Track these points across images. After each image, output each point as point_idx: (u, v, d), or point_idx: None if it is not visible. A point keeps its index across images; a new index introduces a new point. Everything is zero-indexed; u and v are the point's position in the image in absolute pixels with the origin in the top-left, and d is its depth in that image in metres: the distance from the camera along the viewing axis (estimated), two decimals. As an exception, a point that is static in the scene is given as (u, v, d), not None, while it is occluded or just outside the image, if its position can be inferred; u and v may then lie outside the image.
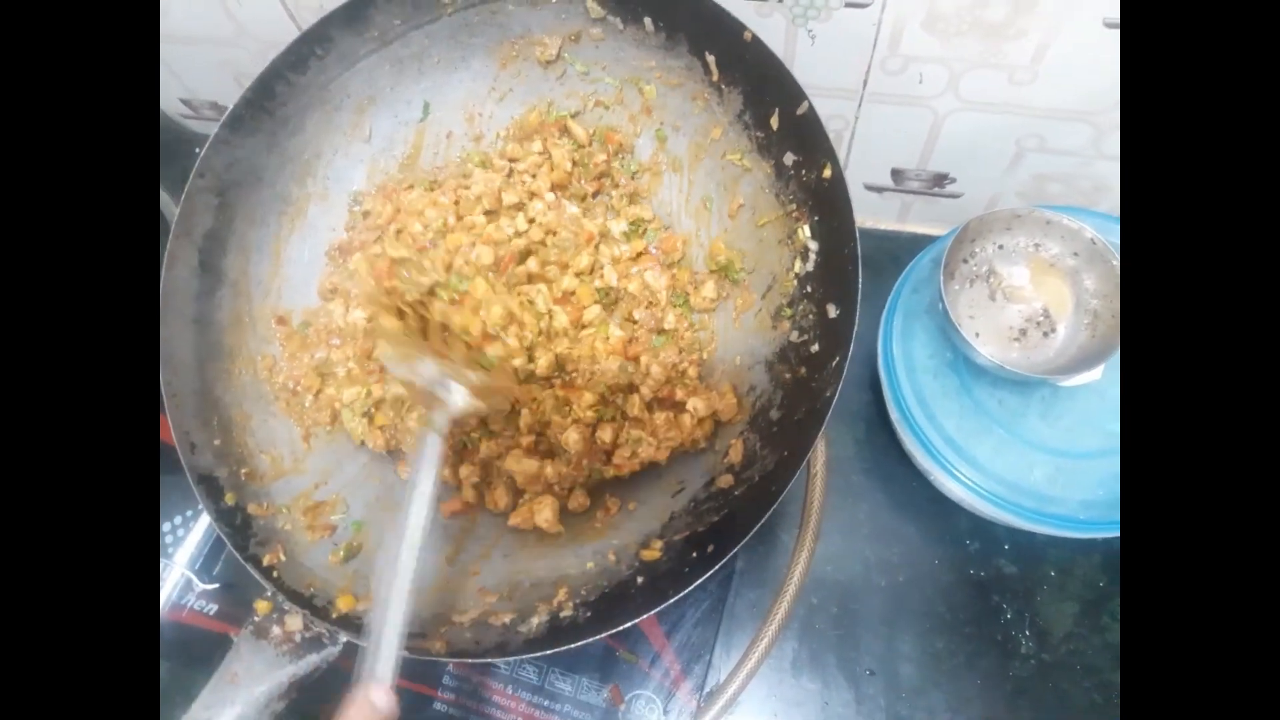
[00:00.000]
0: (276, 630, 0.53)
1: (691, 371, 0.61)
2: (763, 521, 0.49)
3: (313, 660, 0.52)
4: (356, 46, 0.63)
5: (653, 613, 0.49)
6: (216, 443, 0.59)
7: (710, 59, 0.59)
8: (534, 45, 0.65)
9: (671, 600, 0.49)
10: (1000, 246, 0.61)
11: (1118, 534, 0.56)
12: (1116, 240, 0.58)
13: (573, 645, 0.49)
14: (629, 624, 0.49)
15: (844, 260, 0.53)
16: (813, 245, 0.56)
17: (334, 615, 0.54)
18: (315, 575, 0.56)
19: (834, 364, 0.52)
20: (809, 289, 0.57)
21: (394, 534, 0.47)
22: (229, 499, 0.57)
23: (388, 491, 0.63)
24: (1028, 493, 0.56)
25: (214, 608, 0.67)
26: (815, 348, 0.55)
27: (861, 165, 0.73)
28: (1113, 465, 0.56)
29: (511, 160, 0.68)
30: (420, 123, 0.69)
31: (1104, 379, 0.57)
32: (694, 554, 0.53)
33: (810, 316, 0.56)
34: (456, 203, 0.66)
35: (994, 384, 0.59)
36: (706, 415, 0.59)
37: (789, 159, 0.57)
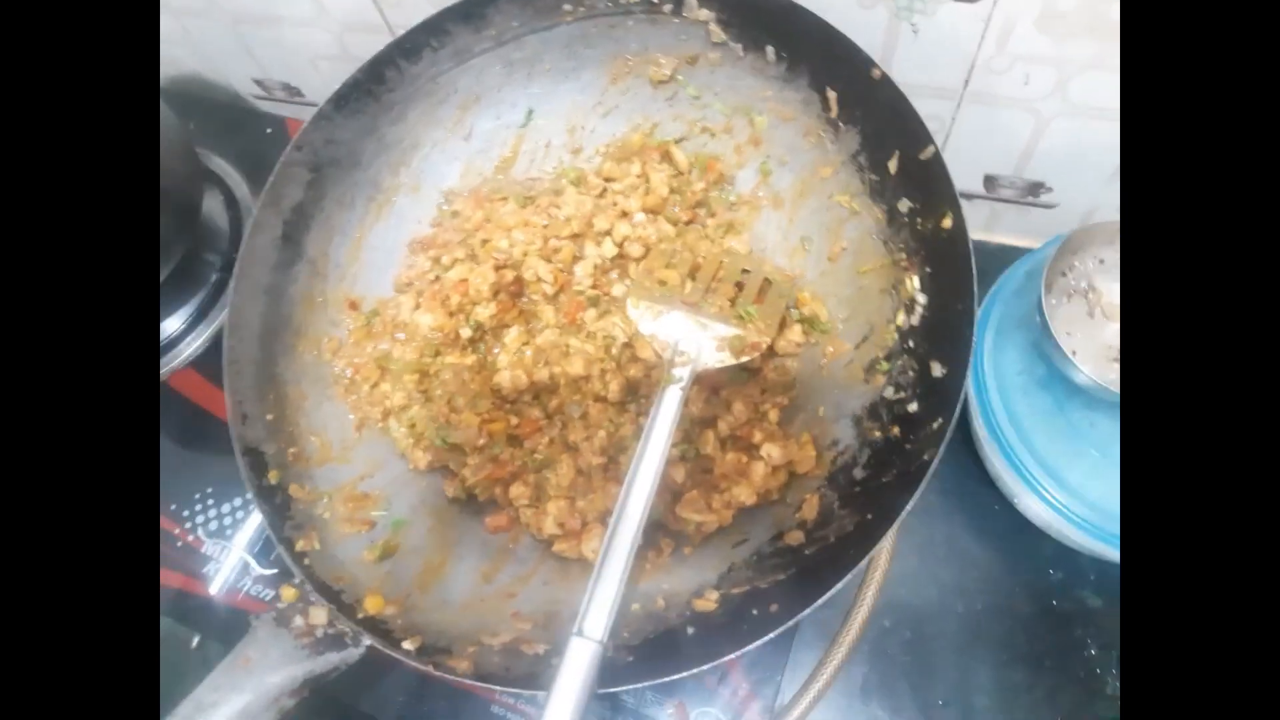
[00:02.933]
0: (299, 621, 0.49)
1: (773, 415, 0.57)
2: (835, 590, 0.44)
3: (331, 659, 0.48)
4: (471, 43, 0.63)
5: (700, 670, 0.45)
6: (269, 417, 0.57)
7: (832, 95, 0.57)
8: (649, 64, 0.64)
9: (725, 659, 0.45)
10: (1101, 261, 0.56)
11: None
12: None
13: (608, 690, 0.45)
14: (674, 677, 0.45)
15: (957, 318, 0.49)
16: (921, 298, 0.53)
17: (360, 615, 0.50)
18: (347, 570, 0.53)
19: (935, 426, 0.47)
20: (911, 344, 0.53)
21: (623, 485, 0.48)
22: (273, 476, 0.54)
23: (434, 497, 0.60)
24: (1119, 521, 0.52)
25: (270, 593, 0.65)
26: (913, 407, 0.51)
27: (953, 170, 0.70)
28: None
29: (607, 180, 0.66)
30: (521, 128, 0.67)
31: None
32: (754, 611, 0.48)
33: (910, 373, 0.52)
34: (546, 225, 0.64)
35: (1089, 405, 0.55)
36: (781, 464, 0.55)
37: (904, 205, 0.54)
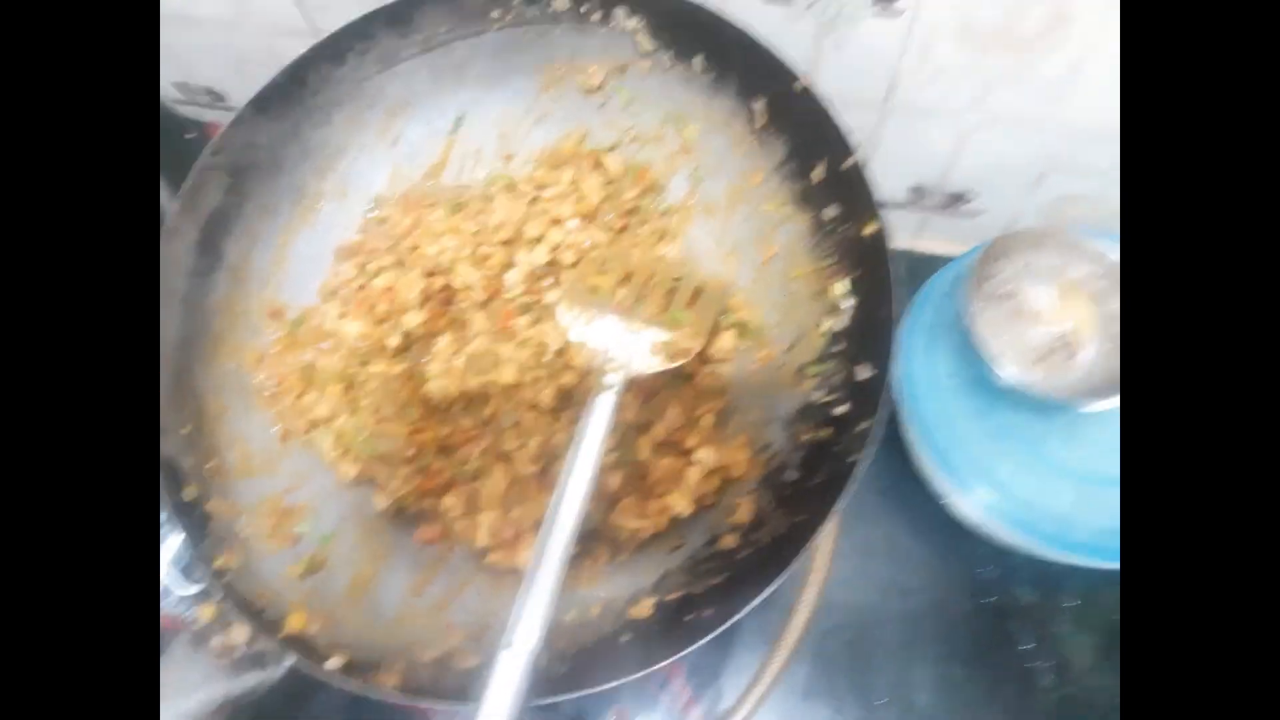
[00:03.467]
0: (217, 640, 0.47)
1: (707, 420, 0.58)
2: (769, 592, 0.45)
3: (251, 680, 0.46)
4: (398, 48, 0.62)
5: (636, 677, 0.45)
6: (185, 430, 0.54)
7: (758, 106, 0.58)
8: (579, 72, 0.64)
9: (659, 666, 0.45)
10: (1025, 266, 0.59)
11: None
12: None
13: (541, 701, 0.44)
14: (610, 685, 0.45)
15: (881, 321, 0.50)
16: (847, 303, 0.54)
17: (283, 633, 0.48)
18: (269, 587, 0.51)
19: (861, 428, 0.48)
20: (839, 347, 0.54)
21: (554, 494, 0.47)
22: (189, 492, 0.52)
23: (362, 510, 0.58)
24: (1049, 517, 0.54)
25: (194, 613, 0.61)
26: (842, 409, 0.52)
27: (879, 179, 0.72)
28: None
29: (539, 187, 0.65)
30: (451, 134, 0.67)
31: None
32: (688, 616, 0.48)
33: (838, 377, 0.53)
34: (476, 231, 0.63)
35: (1015, 406, 0.57)
36: (716, 468, 0.55)
37: (829, 213, 0.55)
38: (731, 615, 0.45)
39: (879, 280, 0.51)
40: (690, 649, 0.44)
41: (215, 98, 0.88)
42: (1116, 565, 0.54)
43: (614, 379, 0.52)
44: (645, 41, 0.60)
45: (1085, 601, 0.61)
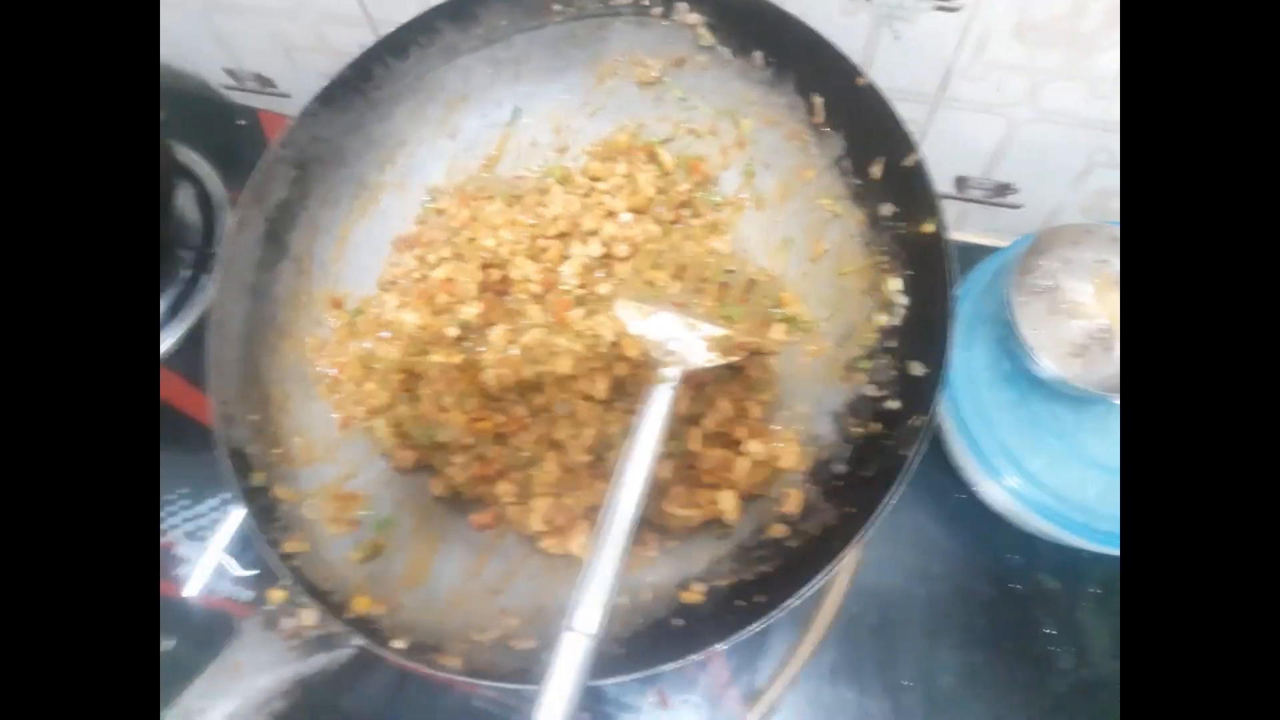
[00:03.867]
0: (287, 623, 0.49)
1: (756, 411, 0.58)
2: (822, 581, 0.46)
3: (321, 661, 0.48)
4: (459, 41, 0.63)
5: (691, 659, 0.46)
6: (253, 418, 0.56)
7: (818, 101, 0.58)
8: (636, 65, 0.64)
9: (715, 649, 0.46)
10: (1066, 260, 0.59)
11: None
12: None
13: (601, 682, 0.46)
14: (665, 668, 0.46)
15: (936, 319, 0.50)
16: (901, 300, 0.54)
17: (349, 615, 0.50)
18: (334, 571, 0.53)
19: (913, 423, 0.49)
20: (891, 344, 0.54)
21: (613, 482, 0.48)
22: (258, 478, 0.54)
23: (418, 496, 0.60)
24: (1078, 507, 0.55)
25: (249, 595, 0.65)
26: (893, 404, 0.52)
27: None
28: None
29: (593, 179, 0.66)
30: (507, 126, 0.68)
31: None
32: (740, 602, 0.49)
33: (891, 372, 0.54)
34: (533, 224, 0.64)
35: (1051, 398, 0.57)
36: (765, 460, 0.56)
37: (886, 210, 0.56)
38: (782, 603, 0.46)
39: (936, 279, 0.51)
40: (742, 634, 0.45)
41: (264, 83, 0.90)
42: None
43: (672, 373, 0.53)
44: (705, 36, 0.61)
45: (1107, 590, 0.62)
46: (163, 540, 0.68)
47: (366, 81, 0.62)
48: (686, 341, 0.55)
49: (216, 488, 0.68)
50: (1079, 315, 0.58)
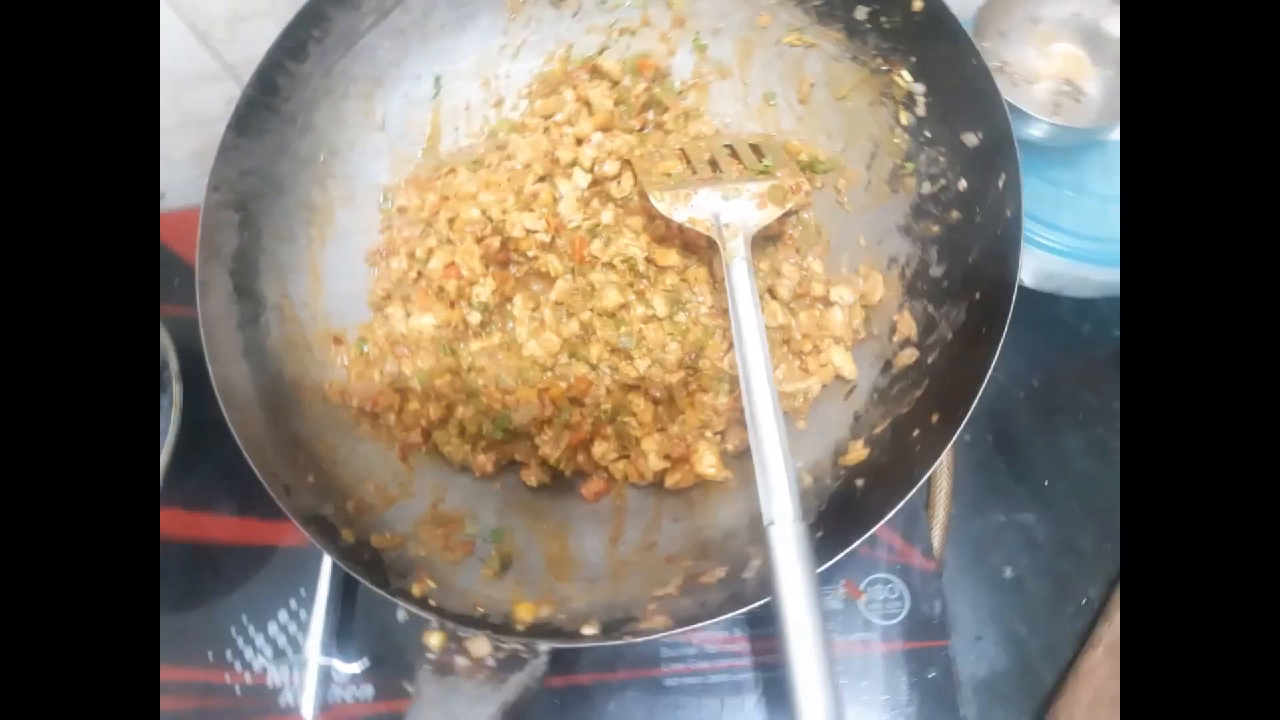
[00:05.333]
0: (462, 661, 0.42)
1: (818, 266, 0.55)
2: (991, 371, 0.43)
3: (519, 680, 0.42)
4: (355, 22, 0.57)
5: (906, 500, 0.42)
6: (311, 479, 0.49)
7: (744, -61, 0.55)
8: (542, -17, 0.60)
9: (920, 482, 0.42)
10: (1002, 34, 0.59)
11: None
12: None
13: (825, 566, 0.41)
14: (880, 524, 0.42)
15: (971, 80, 0.48)
16: (918, 88, 0.52)
17: (519, 628, 0.44)
18: (478, 594, 0.46)
19: (1002, 183, 0.46)
20: (927, 134, 0.52)
21: (741, 377, 0.45)
22: (347, 535, 0.47)
23: (516, 493, 0.54)
24: (1109, 240, 0.57)
25: (369, 690, 0.56)
26: (962, 184, 0.50)
27: None
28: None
29: (545, 117, 0.61)
30: (433, 99, 0.62)
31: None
32: (915, 431, 0.46)
33: (940, 160, 0.51)
34: (509, 179, 0.59)
35: (1050, 164, 0.59)
36: (855, 302, 0.53)
37: (860, 13, 0.53)
38: (960, 408, 0.43)
39: (947, 47, 0.49)
40: (942, 451, 0.42)
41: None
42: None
43: (737, 243, 0.49)
44: (604, -78, 0.57)
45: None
46: (248, 679, 0.58)
47: (273, 95, 0.55)
48: (737, 208, 0.51)
49: (281, 597, 0.60)
50: (1037, 79, 0.59)
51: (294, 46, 0.55)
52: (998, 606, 0.58)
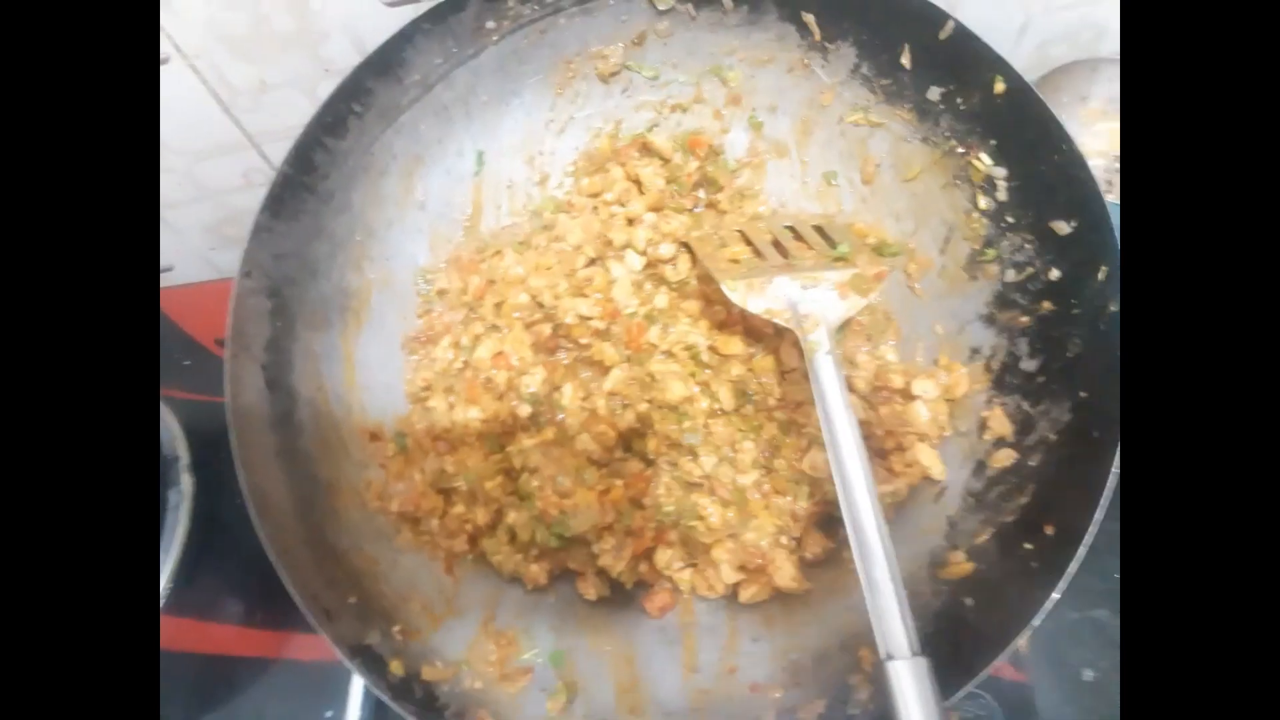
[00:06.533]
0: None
1: (892, 355, 0.52)
2: (1114, 477, 0.39)
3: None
4: (397, 96, 0.53)
5: (1031, 626, 0.38)
6: (352, 601, 0.44)
7: (809, 18, 0.53)
8: (592, 60, 0.57)
9: (1047, 606, 0.38)
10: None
11: None
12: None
13: (952, 701, 0.37)
14: (1007, 651, 0.38)
15: (1059, 166, 0.46)
16: (999, 171, 0.50)
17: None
18: (547, 731, 0.41)
19: (1103, 275, 0.44)
20: (1009, 219, 0.49)
21: (839, 488, 0.41)
22: (396, 668, 0.41)
23: (573, 606, 0.49)
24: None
25: None
26: (1054, 274, 0.47)
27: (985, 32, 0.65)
28: None
29: (593, 195, 0.58)
30: (475, 176, 0.58)
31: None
32: (1026, 545, 0.42)
33: (1027, 247, 0.49)
34: (559, 261, 0.55)
35: None
36: (938, 396, 0.49)
37: (934, 94, 0.51)
38: (1082, 521, 0.39)
39: (1037, 129, 0.47)
40: (1069, 568, 0.38)
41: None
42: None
43: (819, 335, 0.45)
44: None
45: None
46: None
47: (310, 173, 0.51)
48: (816, 297, 0.47)
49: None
50: (1088, 158, 0.54)
51: (333, 121, 0.51)
52: (1083, 713, 0.54)
